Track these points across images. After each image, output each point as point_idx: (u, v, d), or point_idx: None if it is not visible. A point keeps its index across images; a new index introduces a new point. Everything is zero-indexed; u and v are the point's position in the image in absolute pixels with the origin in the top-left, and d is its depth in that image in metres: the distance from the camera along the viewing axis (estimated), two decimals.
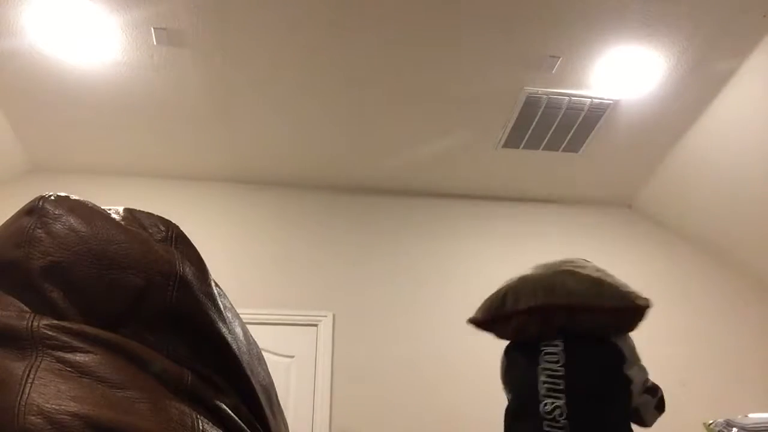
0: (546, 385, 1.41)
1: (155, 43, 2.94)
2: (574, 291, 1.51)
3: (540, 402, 1.40)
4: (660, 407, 1.56)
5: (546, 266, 1.67)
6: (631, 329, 1.55)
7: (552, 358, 1.46)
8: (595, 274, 1.55)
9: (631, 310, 1.51)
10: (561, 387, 1.39)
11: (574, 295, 1.50)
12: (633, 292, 1.51)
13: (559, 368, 1.42)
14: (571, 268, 1.61)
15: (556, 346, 1.47)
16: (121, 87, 3.22)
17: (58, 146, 3.68)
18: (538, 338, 1.51)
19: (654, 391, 1.54)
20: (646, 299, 1.50)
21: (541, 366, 1.45)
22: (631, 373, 1.47)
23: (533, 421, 1.39)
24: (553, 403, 1.37)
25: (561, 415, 1.36)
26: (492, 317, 1.60)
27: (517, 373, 1.53)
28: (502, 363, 1.63)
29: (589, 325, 1.49)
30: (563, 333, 1.49)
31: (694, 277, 4.14)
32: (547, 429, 1.37)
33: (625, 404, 1.45)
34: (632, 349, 1.51)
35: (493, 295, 1.66)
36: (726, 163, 3.62)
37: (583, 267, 1.60)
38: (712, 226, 4.06)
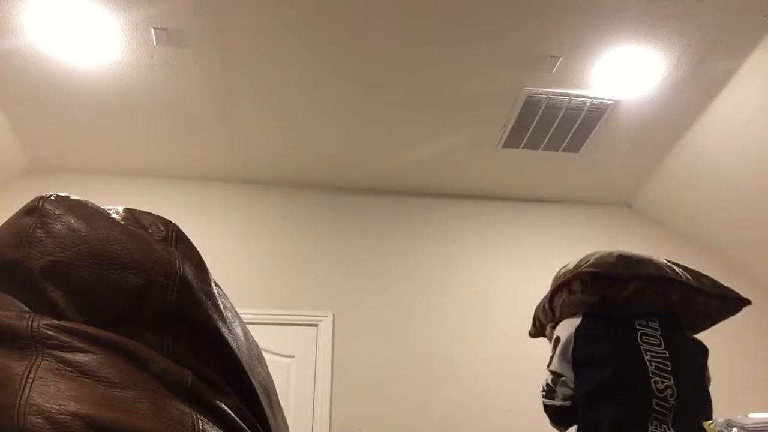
0: (654, 364, 1.37)
1: (155, 43, 2.94)
2: (689, 275, 1.51)
3: (650, 378, 1.35)
4: None
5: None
6: (714, 323, 1.57)
7: (652, 340, 1.42)
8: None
9: (737, 301, 1.54)
10: (669, 369, 1.36)
11: (691, 278, 1.50)
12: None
13: (662, 351, 1.39)
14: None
15: (655, 329, 1.44)
16: (121, 87, 3.22)
17: (58, 146, 3.68)
18: (634, 315, 1.46)
19: None
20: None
21: (643, 346, 1.40)
22: (708, 373, 1.48)
23: (641, 395, 1.35)
24: (664, 382, 1.35)
25: (672, 395, 1.33)
26: (613, 275, 1.48)
27: (613, 346, 1.45)
28: (583, 335, 1.52)
29: (698, 310, 1.49)
30: (661, 315, 1.47)
31: None
32: (656, 407, 1.33)
33: (710, 398, 1.45)
34: None
35: (595, 258, 1.54)
36: (726, 163, 3.62)
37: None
38: (711, 226, 4.05)
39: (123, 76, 3.15)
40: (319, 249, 3.92)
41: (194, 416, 0.46)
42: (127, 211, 0.57)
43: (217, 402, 0.50)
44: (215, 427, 0.47)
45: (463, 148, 3.83)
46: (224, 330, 0.54)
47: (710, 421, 1.46)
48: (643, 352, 1.40)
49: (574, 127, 3.62)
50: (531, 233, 4.20)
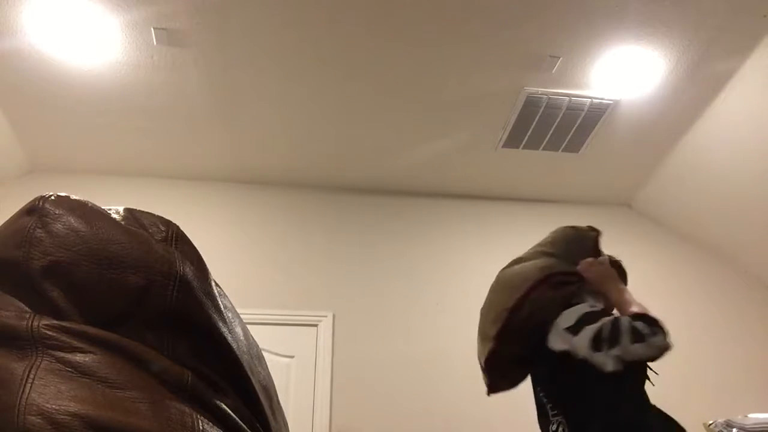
0: (548, 405, 1.48)
1: (155, 43, 2.94)
2: (499, 313, 1.58)
3: (551, 423, 1.44)
4: (637, 334, 1.39)
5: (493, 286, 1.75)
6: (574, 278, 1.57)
7: (541, 379, 1.54)
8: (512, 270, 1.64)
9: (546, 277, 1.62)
10: (555, 410, 1.46)
11: (501, 314, 1.56)
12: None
13: (546, 387, 1.53)
14: (498, 278, 1.70)
15: (540, 366, 1.55)
16: (121, 87, 3.22)
17: (58, 146, 3.68)
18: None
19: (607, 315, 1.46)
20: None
21: (540, 394, 1.54)
22: (561, 339, 1.44)
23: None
24: (557, 421, 1.42)
25: (564, 430, 1.39)
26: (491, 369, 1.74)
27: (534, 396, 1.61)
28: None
29: (538, 315, 1.54)
30: (532, 347, 1.55)
31: (693, 277, 4.13)
32: None
33: (605, 380, 1.37)
34: (556, 311, 1.49)
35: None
36: (726, 163, 3.62)
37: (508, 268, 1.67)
38: (711, 226, 4.05)
39: (123, 77, 3.15)
40: (319, 249, 3.91)
41: (194, 416, 0.46)
42: (127, 211, 0.57)
43: (217, 402, 0.49)
44: (215, 427, 0.47)
45: (463, 149, 3.83)
46: (224, 330, 0.54)
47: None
48: (542, 398, 1.58)
49: (574, 127, 3.62)
50: (531, 233, 4.18)
